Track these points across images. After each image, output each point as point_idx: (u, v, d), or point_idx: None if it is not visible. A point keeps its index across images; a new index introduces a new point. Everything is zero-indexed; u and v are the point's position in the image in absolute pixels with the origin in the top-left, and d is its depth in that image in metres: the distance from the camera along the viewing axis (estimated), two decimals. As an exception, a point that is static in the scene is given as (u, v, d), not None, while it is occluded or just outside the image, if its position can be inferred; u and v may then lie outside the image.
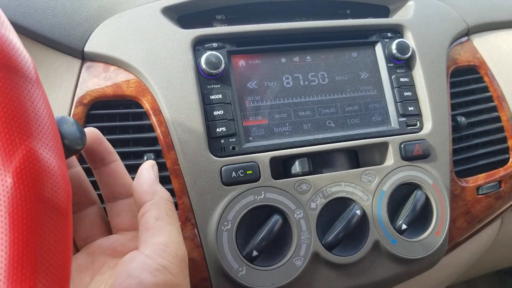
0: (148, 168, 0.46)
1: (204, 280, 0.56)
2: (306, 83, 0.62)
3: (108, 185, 0.47)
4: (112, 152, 0.47)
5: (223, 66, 0.57)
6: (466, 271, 0.90)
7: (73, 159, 0.47)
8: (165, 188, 0.55)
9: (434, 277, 0.73)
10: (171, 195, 0.56)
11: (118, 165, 0.47)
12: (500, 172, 0.69)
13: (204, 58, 0.57)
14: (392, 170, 0.61)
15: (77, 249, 0.47)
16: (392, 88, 0.64)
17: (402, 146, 0.61)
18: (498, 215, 0.72)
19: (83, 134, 0.42)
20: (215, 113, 0.57)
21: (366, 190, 0.59)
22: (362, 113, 0.63)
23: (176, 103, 0.56)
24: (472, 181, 0.67)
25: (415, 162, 0.62)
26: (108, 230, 0.48)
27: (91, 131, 0.46)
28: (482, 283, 1.53)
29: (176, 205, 0.56)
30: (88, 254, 0.45)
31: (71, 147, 0.41)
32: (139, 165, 0.56)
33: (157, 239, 0.41)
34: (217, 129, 0.57)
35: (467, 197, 0.66)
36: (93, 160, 0.47)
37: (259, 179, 0.56)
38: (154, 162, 0.47)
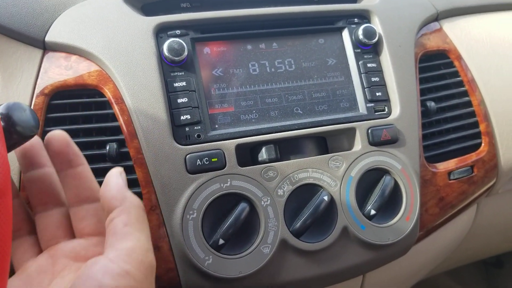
0: (116, 175, 0.45)
1: (170, 271, 0.55)
2: (273, 70, 0.62)
3: (74, 188, 0.46)
4: (80, 156, 0.47)
5: (186, 53, 0.57)
6: (445, 260, 0.89)
7: (47, 159, 0.47)
8: (129, 178, 0.56)
9: (409, 265, 0.73)
10: (135, 185, 0.56)
11: (85, 169, 0.47)
12: (472, 157, 0.69)
13: (166, 45, 0.56)
14: (360, 155, 0.60)
15: (40, 250, 0.46)
16: (360, 74, 0.64)
17: (369, 131, 0.61)
18: (473, 201, 0.72)
19: (36, 120, 0.42)
20: (179, 100, 0.57)
21: (334, 176, 0.59)
22: (329, 99, 0.63)
23: (138, 91, 0.55)
24: (443, 166, 0.67)
25: (383, 147, 0.62)
26: (74, 234, 0.47)
27: (59, 134, 0.45)
28: (469, 275, 1.54)
29: (140, 195, 0.55)
30: (49, 256, 0.44)
31: (24, 134, 0.40)
32: (102, 155, 0.56)
33: (123, 244, 0.40)
34: (181, 117, 0.56)
35: (438, 182, 0.66)
36: (60, 162, 0.46)
37: (224, 167, 0.56)
38: (122, 169, 0.46)
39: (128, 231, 0.41)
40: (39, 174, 0.46)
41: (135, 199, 0.44)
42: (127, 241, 0.41)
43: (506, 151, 0.72)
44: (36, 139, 0.47)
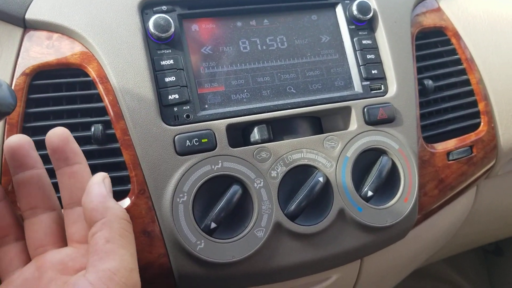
0: (98, 182, 0.43)
1: (161, 256, 0.53)
2: (264, 47, 0.59)
3: (68, 188, 0.44)
4: (78, 154, 0.44)
5: (172, 29, 0.54)
6: (444, 246, 0.88)
7: (36, 160, 0.45)
8: (116, 161, 0.53)
9: (407, 249, 0.71)
10: (122, 168, 0.53)
11: (82, 168, 0.44)
12: (472, 137, 0.67)
13: (152, 21, 0.54)
14: (356, 135, 0.58)
15: (28, 258, 0.44)
16: (355, 51, 0.62)
17: (365, 110, 0.59)
18: (472, 183, 0.70)
19: (13, 97, 0.40)
20: (167, 79, 0.54)
21: (329, 157, 0.57)
22: (324, 78, 0.60)
23: (123, 70, 0.53)
24: (442, 147, 0.65)
25: (380, 126, 0.60)
26: (63, 240, 0.45)
27: (59, 130, 0.44)
28: (468, 263, 1.53)
29: (128, 178, 0.53)
30: (36, 268, 0.42)
31: (0, 110, 0.38)
32: (87, 137, 0.53)
33: (105, 264, 0.38)
34: (169, 97, 0.54)
35: (437, 163, 0.64)
36: (57, 160, 0.44)
37: (215, 148, 0.53)
38: (106, 174, 0.44)
39: (110, 248, 0.39)
40: (28, 176, 0.44)
41: (118, 210, 0.41)
42: (109, 261, 0.38)
43: (506, 131, 0.70)
44: (25, 139, 0.44)
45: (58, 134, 0.44)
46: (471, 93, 0.69)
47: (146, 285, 0.54)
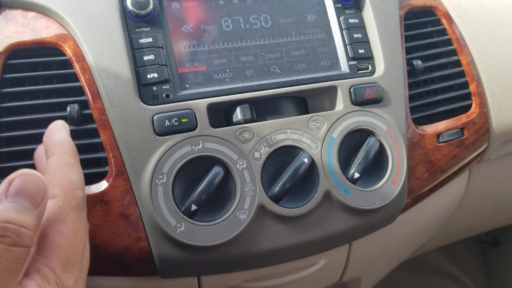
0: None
1: (140, 240, 0.51)
2: (248, 26, 0.58)
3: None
4: (53, 146, 0.40)
5: (151, 6, 0.53)
6: (438, 234, 0.86)
7: None
8: (93, 142, 0.52)
9: (398, 235, 0.69)
10: (100, 149, 0.52)
11: (50, 162, 0.39)
12: (463, 119, 0.66)
13: (129, -3, 0.52)
14: (342, 115, 0.57)
15: None
16: (341, 30, 0.60)
17: (351, 90, 0.57)
18: (464, 167, 0.69)
19: None
20: (145, 58, 0.53)
21: (314, 138, 0.55)
22: (309, 57, 0.59)
23: (100, 48, 0.51)
24: (432, 129, 0.63)
25: (367, 107, 0.58)
26: None
27: (54, 123, 0.42)
28: (464, 254, 1.51)
29: (106, 159, 0.51)
30: None
31: None
32: (64, 117, 0.51)
33: None
34: (148, 75, 0.52)
35: (427, 145, 0.62)
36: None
37: (196, 128, 0.52)
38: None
39: None
40: None
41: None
42: None
43: (498, 113, 0.68)
44: None
45: (49, 127, 0.42)
46: (461, 74, 0.67)
47: (125, 270, 0.53)
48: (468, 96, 0.67)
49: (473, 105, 0.67)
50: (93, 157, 0.51)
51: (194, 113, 0.52)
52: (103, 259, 0.52)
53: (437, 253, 1.49)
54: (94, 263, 0.52)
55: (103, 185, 0.51)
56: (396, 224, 0.64)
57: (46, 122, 0.51)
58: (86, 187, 0.50)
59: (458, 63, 0.67)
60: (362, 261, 0.68)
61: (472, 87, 0.67)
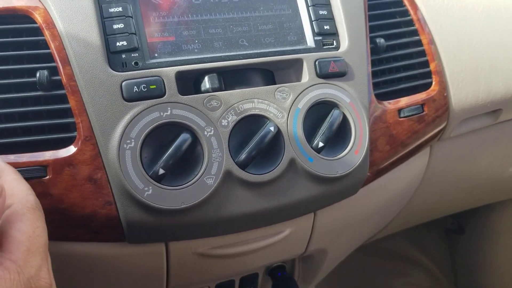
0: None
1: (108, 204, 0.52)
2: (217, 0, 0.59)
3: None
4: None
5: (121, -25, 0.54)
6: (403, 213, 0.89)
7: None
8: (62, 107, 0.52)
9: (362, 207, 0.72)
10: (69, 115, 0.52)
11: None
12: (423, 95, 0.69)
13: (99, -34, 0.53)
14: (307, 87, 0.59)
15: None
16: (307, 6, 0.62)
17: (317, 63, 0.60)
18: (425, 143, 0.72)
19: None
20: (115, 26, 0.54)
21: (281, 108, 0.57)
22: (276, 32, 0.61)
23: (70, 15, 0.52)
24: (394, 104, 0.66)
25: (332, 80, 0.60)
26: None
27: None
28: (431, 242, 1.56)
29: (74, 125, 0.52)
30: None
31: None
32: (33, 83, 0.52)
33: None
34: (117, 43, 0.53)
35: (388, 119, 0.65)
36: None
37: (164, 95, 0.53)
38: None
39: None
40: None
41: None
42: None
43: (457, 91, 0.71)
44: None
45: None
46: (422, 53, 0.70)
47: (93, 234, 0.54)
48: (428, 75, 0.70)
49: (433, 83, 0.70)
50: (61, 122, 0.52)
51: (163, 80, 0.53)
52: (71, 223, 0.52)
53: (404, 241, 1.53)
54: (62, 227, 0.53)
55: (71, 149, 0.51)
56: (359, 197, 0.67)
57: (16, 88, 0.52)
58: (55, 152, 0.51)
59: (419, 43, 0.70)
60: (327, 232, 0.70)
61: (432, 66, 0.70)
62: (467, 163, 0.86)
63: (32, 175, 0.50)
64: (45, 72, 0.52)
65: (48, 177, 0.50)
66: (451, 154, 0.81)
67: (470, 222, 1.44)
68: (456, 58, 0.71)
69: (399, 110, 0.66)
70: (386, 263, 1.51)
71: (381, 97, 0.66)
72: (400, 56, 0.69)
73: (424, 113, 0.68)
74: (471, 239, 1.46)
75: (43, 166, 0.50)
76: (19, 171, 0.49)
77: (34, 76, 0.52)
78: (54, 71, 0.53)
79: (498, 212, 1.33)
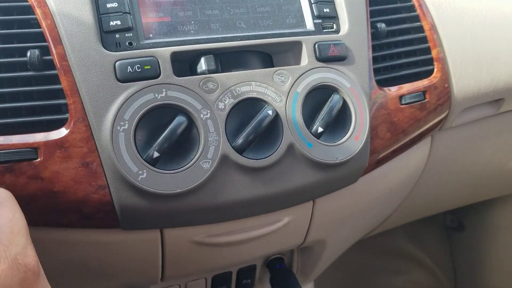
0: None
1: (101, 188, 0.50)
2: (213, -19, 0.58)
3: None
4: None
5: (115, -47, 0.52)
6: (403, 207, 0.88)
7: None
8: (54, 88, 0.51)
9: (361, 197, 0.70)
10: (61, 96, 0.51)
11: None
12: (425, 82, 0.67)
13: None
14: (307, 71, 0.57)
15: None
16: (307, -11, 0.61)
17: (316, 46, 0.58)
18: (426, 132, 0.70)
19: None
20: (108, 5, 0.52)
21: (279, 91, 0.56)
22: (275, 14, 0.59)
23: (62, -7, 0.51)
24: (395, 90, 0.65)
25: (331, 64, 0.59)
26: None
27: None
28: (431, 240, 1.54)
29: (66, 106, 0.50)
30: None
31: None
32: (24, 63, 0.50)
33: None
34: (111, 23, 0.52)
35: (389, 106, 0.64)
36: None
37: (159, 76, 0.51)
38: None
39: None
40: None
41: None
42: None
43: (459, 79, 0.70)
44: None
45: None
46: (424, 39, 0.69)
47: (85, 220, 0.52)
48: (430, 62, 0.69)
49: (435, 70, 0.68)
50: (53, 103, 0.51)
51: (158, 60, 0.52)
52: (63, 208, 0.51)
53: (404, 238, 1.52)
54: (53, 212, 0.52)
55: (63, 131, 0.50)
56: (359, 186, 0.65)
57: (6, 68, 0.51)
58: (46, 133, 0.50)
59: (421, 29, 0.69)
60: (326, 222, 0.68)
61: (434, 53, 0.69)
62: (468, 155, 0.85)
63: (22, 157, 0.48)
64: (36, 52, 0.50)
65: (39, 159, 0.49)
66: (453, 144, 0.79)
67: (470, 219, 1.42)
68: (459, 47, 0.70)
69: (401, 97, 0.65)
70: (385, 261, 1.50)
71: (382, 83, 0.65)
72: (401, 42, 0.67)
73: (425, 100, 0.67)
74: (471, 236, 1.44)
75: (34, 148, 0.49)
76: (9, 153, 0.48)
77: (25, 55, 0.50)
78: (45, 50, 0.51)
79: (498, 209, 1.31)
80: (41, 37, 0.51)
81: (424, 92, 0.67)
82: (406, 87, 0.66)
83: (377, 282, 1.48)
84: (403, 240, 1.52)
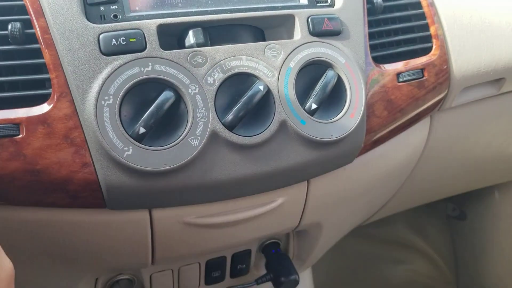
0: None
1: (86, 166, 0.49)
2: (202, -48, 0.56)
3: None
4: None
5: None
6: (402, 192, 0.86)
7: None
8: (36, 62, 0.49)
9: (358, 178, 0.68)
10: (43, 71, 0.49)
11: None
12: (423, 59, 0.65)
13: None
14: (300, 45, 0.55)
15: None
16: (300, -39, 0.59)
17: (309, 19, 0.56)
18: (425, 112, 0.68)
19: None
20: (93, -24, 0.50)
21: (271, 66, 0.54)
22: (267, -12, 0.57)
23: (44, -37, 0.49)
24: (392, 67, 0.63)
25: (326, 38, 0.57)
26: None
27: None
28: (432, 229, 1.53)
29: (49, 80, 0.49)
30: None
31: None
32: (5, 36, 0.49)
33: None
34: (95, -6, 0.50)
35: (386, 83, 0.62)
36: None
37: (145, 49, 0.50)
38: None
39: None
40: None
41: None
42: None
43: (458, 57, 0.68)
44: None
45: None
46: (422, 16, 0.67)
47: (70, 199, 0.51)
48: (428, 39, 0.67)
49: (434, 47, 0.66)
50: (36, 78, 0.49)
51: (143, 33, 0.50)
52: (47, 186, 0.49)
53: (405, 227, 1.50)
54: (37, 191, 0.50)
55: (45, 107, 0.48)
56: (356, 167, 0.63)
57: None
58: (28, 109, 0.48)
59: (418, 5, 0.67)
60: (321, 204, 0.66)
61: (432, 29, 0.66)
62: (468, 137, 0.83)
63: (3, 133, 0.47)
64: (18, 25, 0.48)
65: (21, 135, 0.47)
66: (452, 126, 0.77)
67: (472, 208, 1.40)
68: (457, 22, 0.68)
69: (398, 74, 0.63)
70: (386, 250, 1.48)
71: (378, 60, 0.62)
72: (398, 18, 0.65)
73: (424, 78, 0.65)
74: (472, 225, 1.42)
75: (16, 124, 0.47)
76: (-10, 128, 0.46)
77: (6, 29, 0.49)
78: (27, 23, 0.49)
79: (500, 196, 1.29)
80: (22, 9, 0.49)
81: (422, 70, 0.65)
82: (403, 64, 0.64)
83: (379, 271, 1.47)
84: (404, 229, 1.50)
